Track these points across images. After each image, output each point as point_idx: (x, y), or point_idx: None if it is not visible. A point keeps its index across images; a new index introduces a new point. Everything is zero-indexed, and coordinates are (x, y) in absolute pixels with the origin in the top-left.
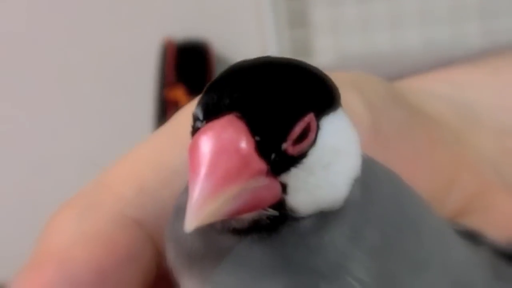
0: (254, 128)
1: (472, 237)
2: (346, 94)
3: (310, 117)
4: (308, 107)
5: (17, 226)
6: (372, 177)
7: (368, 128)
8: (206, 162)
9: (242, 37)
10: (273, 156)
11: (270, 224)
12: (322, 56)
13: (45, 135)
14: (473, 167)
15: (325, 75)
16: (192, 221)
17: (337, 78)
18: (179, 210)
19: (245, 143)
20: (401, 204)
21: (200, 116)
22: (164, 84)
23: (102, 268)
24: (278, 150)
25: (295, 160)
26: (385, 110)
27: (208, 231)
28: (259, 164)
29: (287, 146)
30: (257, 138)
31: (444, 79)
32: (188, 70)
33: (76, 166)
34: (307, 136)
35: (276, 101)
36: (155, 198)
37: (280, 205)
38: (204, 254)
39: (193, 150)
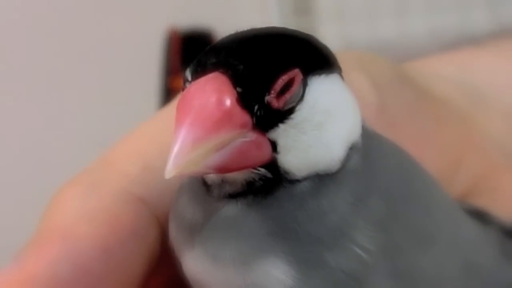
0: (237, 81)
1: (480, 216)
2: (352, 73)
3: (295, 72)
4: (294, 63)
5: (22, 208)
6: (376, 148)
7: (374, 107)
8: (188, 114)
9: (247, 26)
10: (256, 107)
11: (264, 187)
12: (327, 44)
13: (49, 124)
14: (480, 148)
15: (321, 42)
16: (171, 168)
17: (343, 57)
18: (181, 188)
19: (226, 95)
20: (408, 177)
21: (189, 77)
22: (169, 72)
23: (106, 245)
24: (261, 102)
25: (282, 115)
26: (391, 89)
27: (206, 200)
28: (242, 116)
29: (270, 98)
30: (239, 89)
31: (451, 61)
32: (192, 58)
33: (81, 155)
34: (291, 89)
35: (261, 57)
36: (159, 176)
37: (273, 166)
38: (204, 224)
39: (178, 105)
